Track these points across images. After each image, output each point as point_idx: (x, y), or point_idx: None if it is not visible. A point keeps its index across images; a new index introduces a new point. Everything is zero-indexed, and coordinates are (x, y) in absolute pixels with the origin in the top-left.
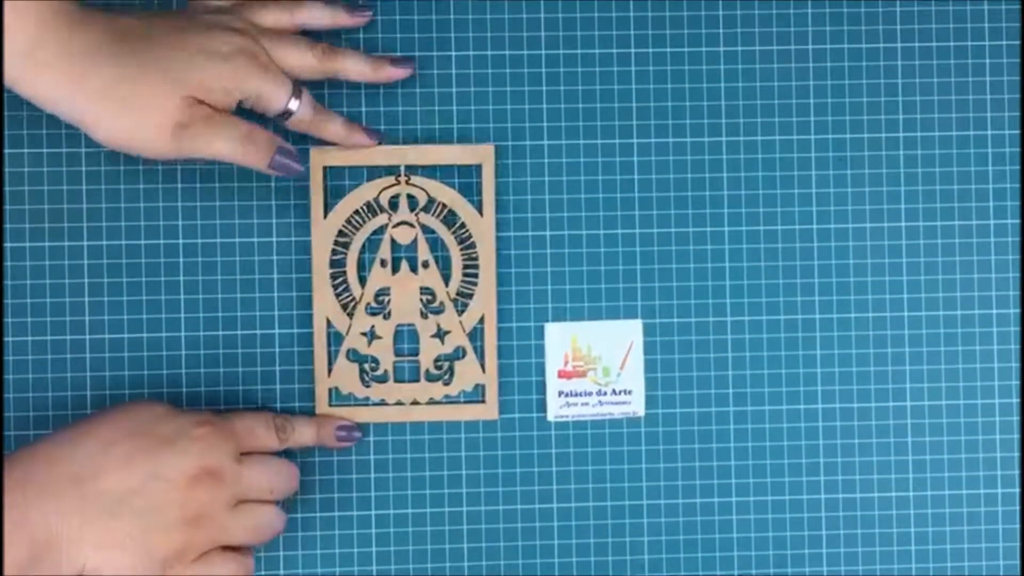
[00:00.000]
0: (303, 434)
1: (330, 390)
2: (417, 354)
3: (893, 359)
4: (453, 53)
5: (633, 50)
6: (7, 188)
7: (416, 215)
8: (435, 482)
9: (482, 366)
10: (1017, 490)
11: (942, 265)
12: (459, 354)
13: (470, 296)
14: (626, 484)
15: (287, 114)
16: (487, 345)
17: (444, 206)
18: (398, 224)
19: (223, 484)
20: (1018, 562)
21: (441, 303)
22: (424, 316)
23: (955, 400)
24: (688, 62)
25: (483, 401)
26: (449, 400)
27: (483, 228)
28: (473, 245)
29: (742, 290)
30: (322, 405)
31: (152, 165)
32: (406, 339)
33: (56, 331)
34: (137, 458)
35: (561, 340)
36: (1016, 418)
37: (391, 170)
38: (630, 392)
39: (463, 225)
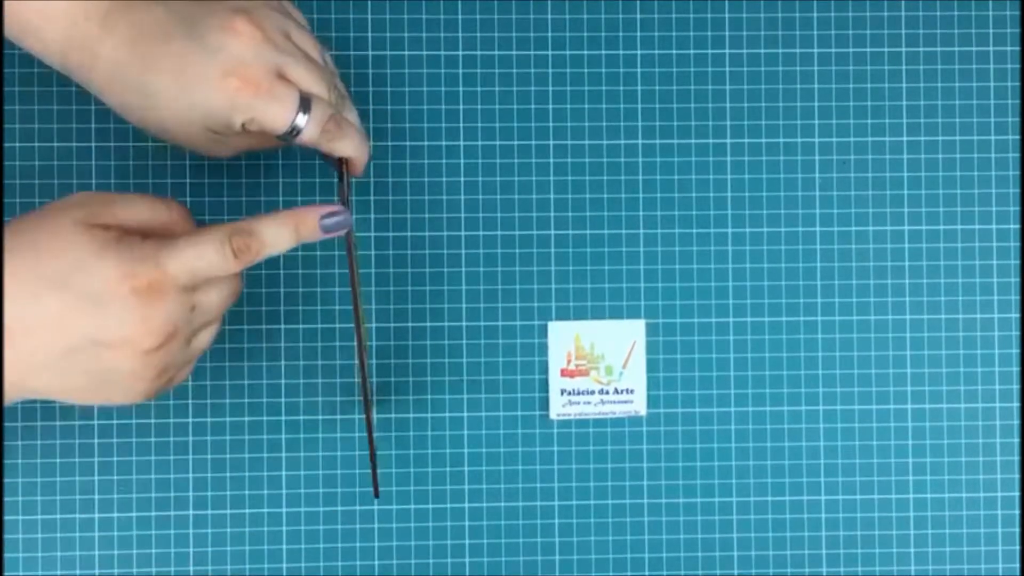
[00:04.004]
0: (277, 241)
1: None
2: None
3: (895, 361)
4: (472, 52)
5: (639, 52)
6: (5, 183)
7: None
8: (437, 478)
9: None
10: (1017, 493)
11: (944, 269)
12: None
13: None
14: (627, 483)
15: (294, 132)
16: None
17: None
18: None
19: (178, 340)
20: (1017, 565)
21: None
22: None
23: (956, 403)
24: (694, 64)
25: None
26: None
27: None
28: None
29: (745, 291)
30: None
31: (146, 161)
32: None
33: None
34: (71, 319)
35: (564, 338)
36: (1016, 422)
37: None
38: (632, 391)
39: None
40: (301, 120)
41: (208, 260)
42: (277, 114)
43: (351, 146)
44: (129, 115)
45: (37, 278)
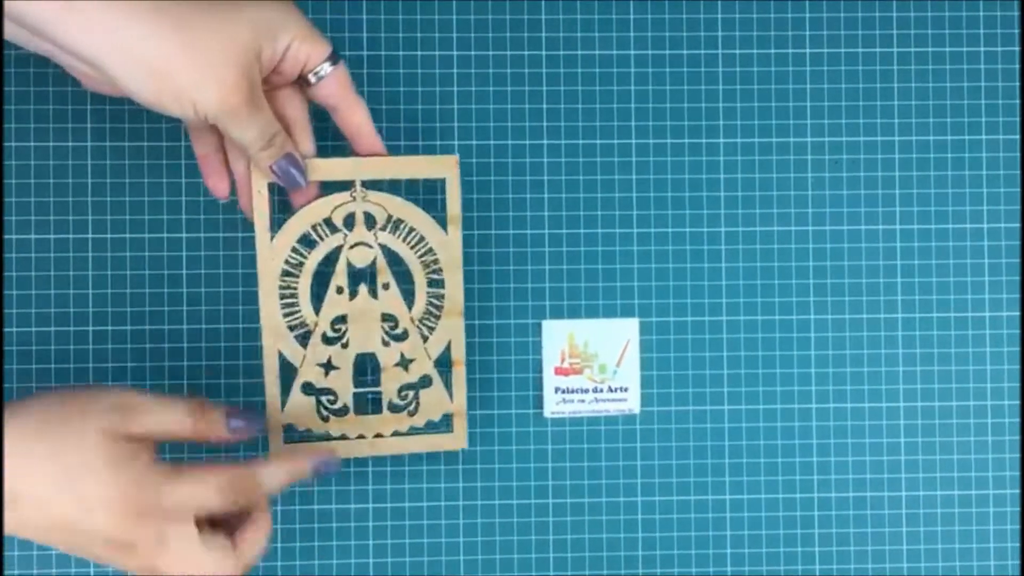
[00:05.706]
0: (271, 482)
1: (285, 427)
2: (379, 384)
3: (887, 360)
4: (445, 53)
5: (633, 52)
6: (7, 182)
7: (374, 234)
8: (432, 476)
9: (450, 395)
10: (1010, 491)
11: (936, 268)
12: (425, 383)
13: (436, 318)
14: (621, 481)
15: (317, 76)
16: (455, 374)
17: (405, 224)
18: (355, 245)
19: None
20: (1009, 563)
21: (404, 330)
22: (386, 344)
23: (948, 402)
24: (687, 64)
25: (451, 431)
26: (414, 431)
27: (449, 246)
28: (438, 265)
29: (738, 290)
30: (276, 443)
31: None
32: (367, 368)
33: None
34: (56, 509)
35: (558, 337)
36: (1007, 420)
37: (345, 185)
38: (626, 389)
39: (427, 245)
40: (326, 68)
41: (206, 503)
42: (318, 50)
43: (356, 122)
44: (136, 60)
45: (54, 473)
